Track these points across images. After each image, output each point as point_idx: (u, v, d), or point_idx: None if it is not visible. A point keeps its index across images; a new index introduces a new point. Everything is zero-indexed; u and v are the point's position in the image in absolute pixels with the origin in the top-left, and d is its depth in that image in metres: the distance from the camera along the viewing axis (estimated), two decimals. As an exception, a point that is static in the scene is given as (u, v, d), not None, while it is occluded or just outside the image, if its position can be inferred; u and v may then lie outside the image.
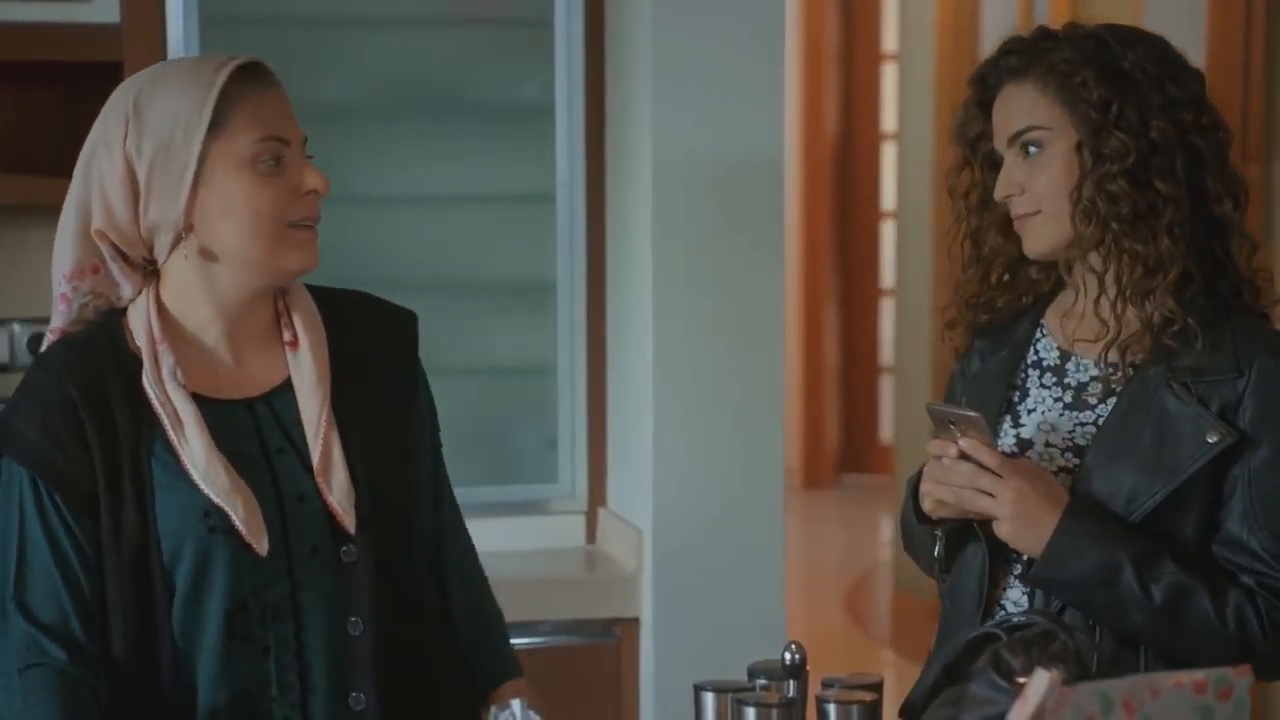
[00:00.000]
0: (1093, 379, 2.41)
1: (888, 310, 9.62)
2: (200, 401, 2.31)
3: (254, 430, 2.35)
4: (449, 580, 2.49)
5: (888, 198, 9.71)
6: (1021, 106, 2.38)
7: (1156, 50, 2.39)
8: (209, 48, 3.53)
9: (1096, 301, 2.40)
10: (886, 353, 9.63)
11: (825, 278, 9.73)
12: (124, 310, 2.37)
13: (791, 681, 2.24)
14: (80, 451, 2.28)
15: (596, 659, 3.61)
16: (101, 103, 3.61)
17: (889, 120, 9.64)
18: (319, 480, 2.32)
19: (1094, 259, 2.39)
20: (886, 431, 9.67)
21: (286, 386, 2.37)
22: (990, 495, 2.30)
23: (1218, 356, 2.33)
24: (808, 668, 2.26)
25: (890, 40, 9.61)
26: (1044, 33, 2.42)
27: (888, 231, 9.71)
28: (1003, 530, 2.32)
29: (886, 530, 8.35)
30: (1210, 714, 1.74)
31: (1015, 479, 2.29)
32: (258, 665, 2.30)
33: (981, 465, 2.31)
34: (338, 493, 2.32)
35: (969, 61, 7.07)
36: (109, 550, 2.29)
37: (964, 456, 2.32)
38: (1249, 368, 2.32)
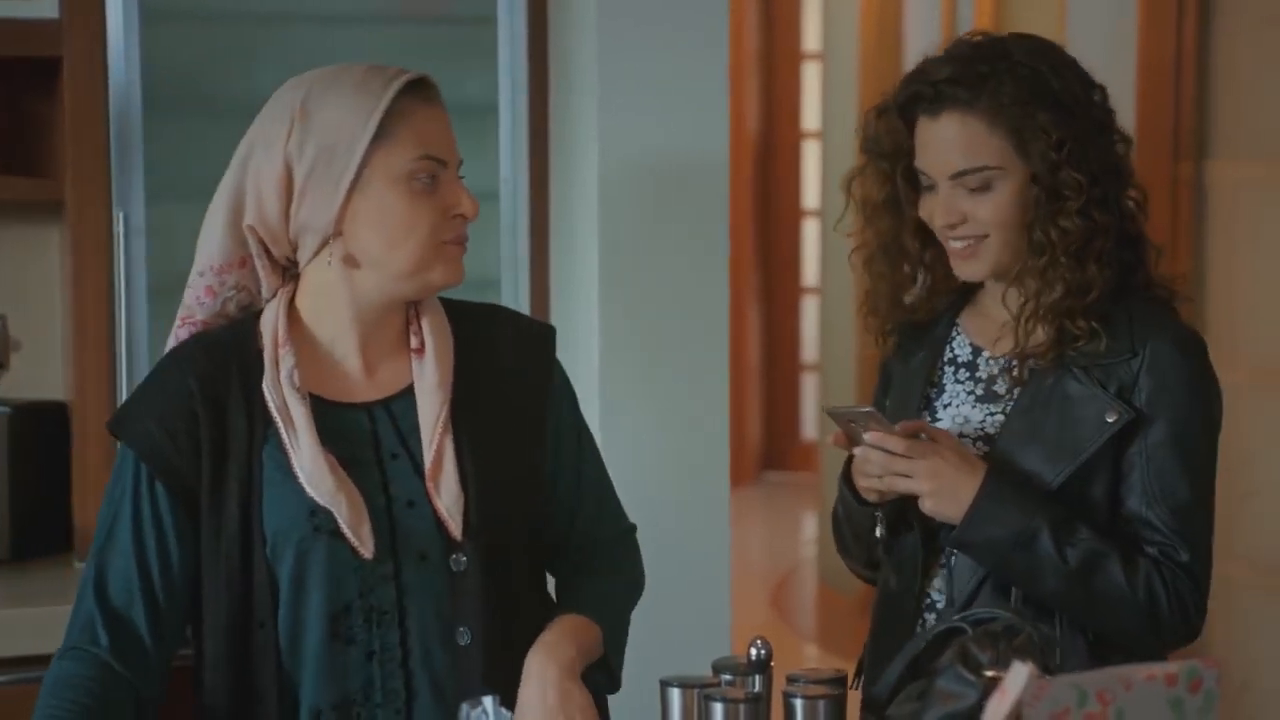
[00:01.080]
0: (1001, 371, 2.48)
1: (809, 308, 9.66)
2: (318, 403, 2.33)
3: (370, 434, 2.36)
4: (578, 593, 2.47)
5: (809, 196, 9.75)
6: (966, 143, 2.40)
7: (1074, 68, 2.44)
8: (149, 44, 3.50)
9: (1014, 310, 2.45)
10: (808, 351, 9.67)
11: (747, 276, 9.77)
12: (259, 313, 2.40)
13: (757, 676, 2.25)
14: (190, 446, 2.31)
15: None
16: (41, 98, 3.62)
17: (810, 119, 9.68)
18: (429, 484, 2.32)
19: (1026, 279, 2.43)
20: (808, 429, 9.71)
21: (408, 392, 2.38)
22: (908, 476, 2.37)
23: (1114, 339, 2.40)
24: (772, 663, 2.27)
25: (811, 40, 9.65)
26: (979, 53, 2.42)
27: (809, 230, 9.75)
28: (926, 505, 2.39)
29: (810, 527, 8.39)
30: (1181, 706, 1.76)
31: (927, 457, 2.37)
32: (362, 670, 2.31)
33: (891, 453, 2.37)
34: (446, 498, 2.32)
35: (893, 60, 7.11)
36: (208, 548, 2.31)
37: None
38: (1143, 348, 2.40)
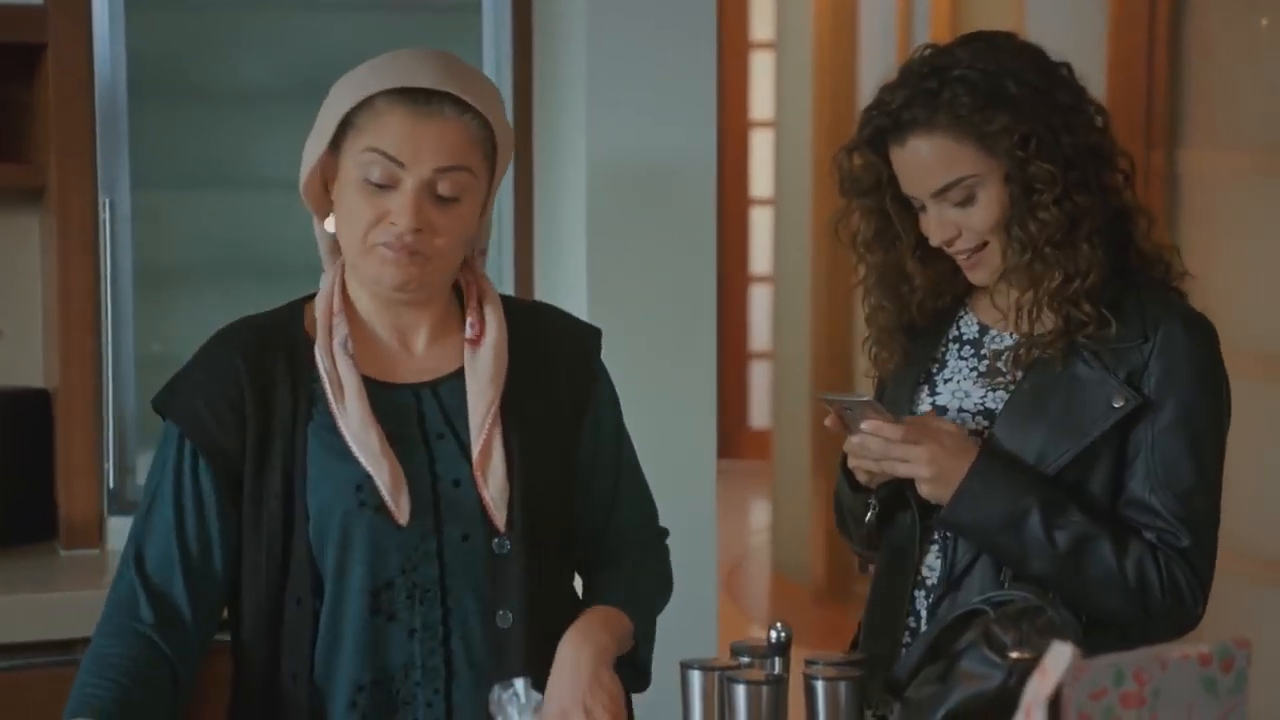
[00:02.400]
0: (1007, 351, 2.49)
1: (758, 297, 9.69)
2: (365, 382, 2.34)
3: (416, 413, 2.37)
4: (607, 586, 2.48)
5: (758, 185, 9.78)
6: (939, 160, 2.42)
7: (1033, 59, 2.45)
8: (134, 30, 3.50)
9: (1016, 301, 2.47)
10: (757, 339, 9.70)
11: (696, 264, 9.77)
12: (309, 297, 2.43)
13: (777, 659, 2.27)
14: (235, 423, 2.33)
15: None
16: (22, 84, 3.60)
17: (758, 109, 9.71)
18: (476, 473, 2.33)
19: (1017, 277, 2.46)
20: (758, 417, 9.74)
21: (456, 375, 2.39)
22: (906, 461, 2.39)
23: (1125, 325, 2.42)
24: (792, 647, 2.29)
25: (760, 29, 9.67)
26: (928, 69, 2.44)
27: (758, 218, 9.78)
28: (924, 490, 2.40)
29: (761, 515, 8.42)
30: (1214, 685, 1.78)
31: (924, 443, 2.38)
32: (403, 647, 2.32)
33: (888, 440, 2.39)
34: (493, 488, 2.33)
35: (847, 49, 7.14)
36: (250, 526, 2.33)
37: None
38: (1154, 334, 2.41)
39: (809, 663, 2.23)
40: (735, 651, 2.30)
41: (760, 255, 9.78)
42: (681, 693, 2.26)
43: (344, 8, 3.70)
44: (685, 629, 3.43)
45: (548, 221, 3.72)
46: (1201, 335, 2.43)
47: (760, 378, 9.59)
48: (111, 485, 3.53)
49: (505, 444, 2.35)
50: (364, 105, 2.30)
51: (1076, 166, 2.41)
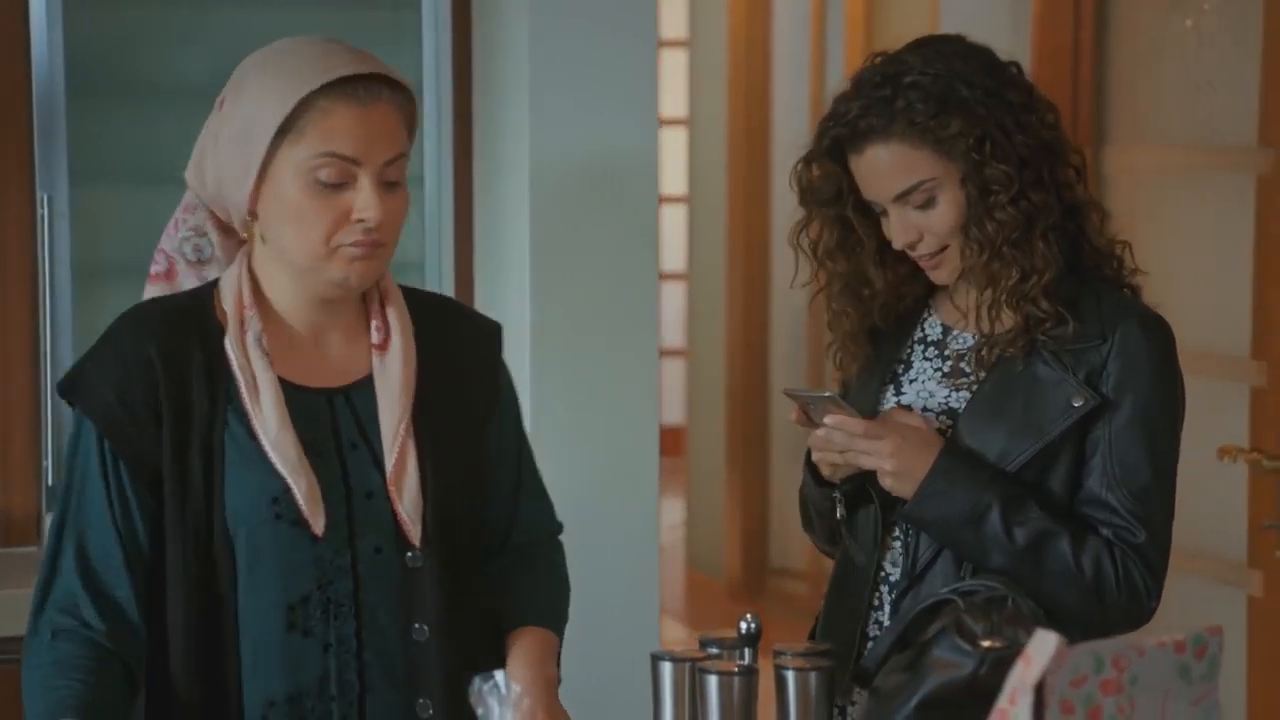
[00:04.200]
0: (969, 351, 2.53)
1: (669, 293, 9.70)
2: (280, 384, 2.29)
3: (330, 422, 2.32)
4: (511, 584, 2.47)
5: (667, 183, 9.79)
6: (898, 166, 2.45)
7: (980, 61, 2.49)
8: (71, 22, 3.48)
9: (975, 300, 2.51)
10: (668, 335, 9.72)
11: (606, 261, 9.78)
12: (215, 283, 2.35)
13: (747, 650, 2.29)
14: (150, 417, 2.26)
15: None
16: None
17: (667, 106, 9.72)
18: (390, 488, 2.30)
19: (975, 277, 2.50)
20: (668, 414, 9.76)
21: (367, 382, 2.35)
22: (870, 454, 2.42)
23: (1083, 324, 2.46)
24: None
25: (669, 28, 9.69)
26: (880, 77, 2.46)
27: (668, 216, 9.79)
28: (886, 482, 2.44)
29: (675, 511, 8.44)
30: (1188, 671, 1.82)
31: (888, 437, 2.41)
32: (318, 662, 2.28)
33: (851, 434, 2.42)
34: (407, 502, 2.30)
35: (761, 47, 7.19)
36: (173, 522, 2.27)
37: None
38: (1112, 334, 2.46)
39: (778, 653, 2.25)
40: (704, 643, 2.32)
41: (669, 253, 9.80)
42: (652, 685, 2.27)
43: (282, 4, 3.69)
44: (631, 625, 3.47)
45: (489, 220, 3.72)
46: (1158, 336, 2.47)
47: (671, 375, 9.60)
48: (50, 482, 3.51)
49: (419, 455, 2.32)
50: (302, 107, 2.25)
51: (1030, 165, 2.45)
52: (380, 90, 2.28)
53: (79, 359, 2.33)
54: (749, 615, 2.31)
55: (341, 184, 2.26)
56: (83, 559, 2.27)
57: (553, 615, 2.46)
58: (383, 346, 2.35)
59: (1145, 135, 4.20)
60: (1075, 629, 2.34)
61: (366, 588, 2.29)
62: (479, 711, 2.00)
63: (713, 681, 2.20)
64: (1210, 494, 3.78)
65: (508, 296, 3.66)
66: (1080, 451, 2.45)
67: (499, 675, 2.01)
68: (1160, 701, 1.79)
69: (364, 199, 2.26)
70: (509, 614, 2.43)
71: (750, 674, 2.21)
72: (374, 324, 2.36)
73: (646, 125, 3.61)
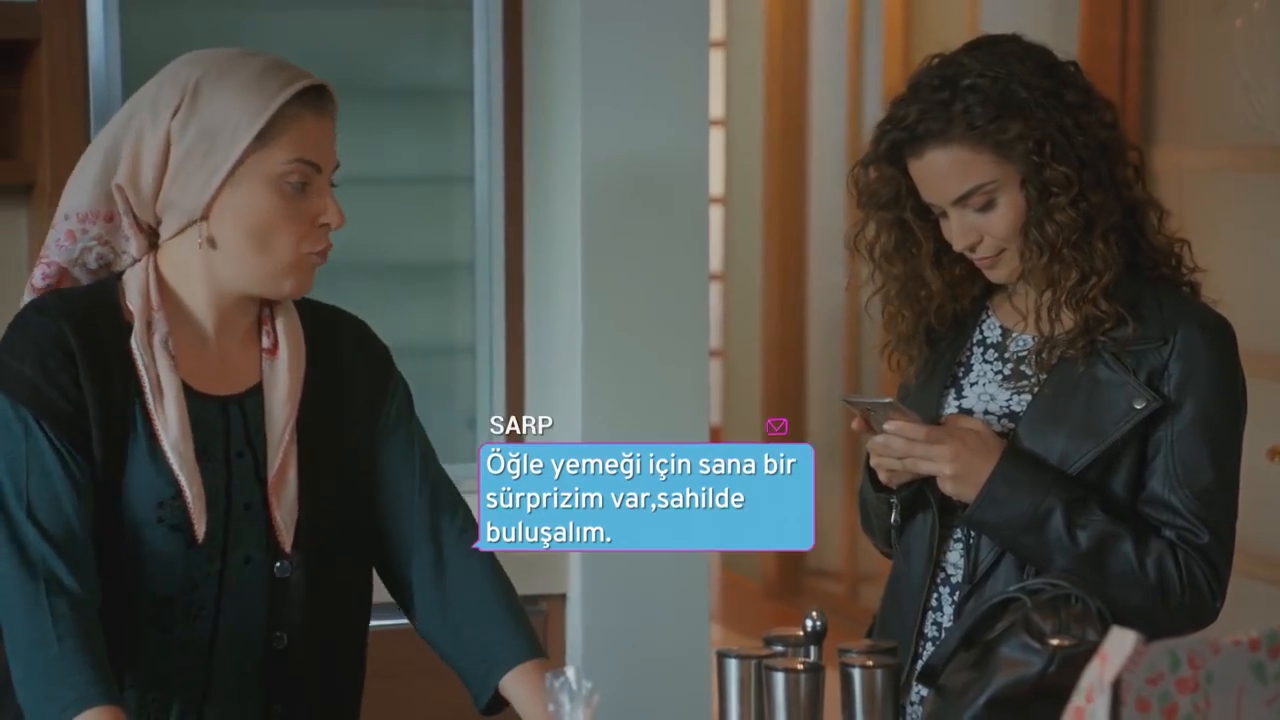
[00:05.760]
0: (1030, 353, 2.52)
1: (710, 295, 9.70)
2: (183, 390, 2.31)
3: (223, 430, 2.35)
4: (438, 586, 2.45)
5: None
6: (957, 169, 2.45)
7: (1038, 61, 2.48)
8: (128, 27, 3.50)
9: (1035, 301, 2.51)
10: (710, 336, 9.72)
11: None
12: (119, 276, 2.36)
13: (813, 647, 2.30)
14: (78, 398, 2.27)
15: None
16: (19, 82, 3.59)
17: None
18: (271, 496, 2.33)
19: (1035, 279, 2.50)
20: (710, 414, 9.77)
21: (258, 390, 2.37)
22: (930, 460, 2.43)
23: (1144, 326, 2.46)
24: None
25: (710, 28, 9.70)
26: (938, 81, 2.46)
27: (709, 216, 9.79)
28: (946, 487, 2.44)
29: (712, 511, 8.42)
30: (1262, 669, 1.82)
31: (948, 442, 2.42)
32: (167, 660, 2.32)
33: (911, 440, 2.43)
34: (284, 508, 2.33)
35: (799, 48, 7.18)
36: (98, 491, 2.28)
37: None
38: (1174, 335, 2.45)
39: (843, 650, 2.26)
40: (768, 641, 2.33)
41: (711, 253, 9.80)
42: (718, 682, 2.28)
43: (335, 5, 3.71)
44: (681, 626, 3.48)
45: (539, 220, 3.73)
46: (1220, 337, 2.47)
47: (714, 375, 9.62)
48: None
49: (300, 465, 2.35)
50: (277, 114, 2.29)
51: (1090, 166, 2.45)
52: (328, 102, 2.35)
53: None
54: (814, 612, 2.32)
55: (303, 190, 2.31)
56: (36, 519, 2.25)
57: (535, 638, 2.45)
58: (272, 352, 2.38)
59: (1193, 135, 4.20)
60: (1140, 629, 2.34)
61: (229, 594, 2.33)
62: (549, 708, 2.01)
63: (779, 679, 2.21)
64: (1261, 495, 3.78)
65: (559, 297, 3.67)
66: (1142, 453, 2.45)
67: (570, 671, 2.02)
68: (1235, 700, 1.79)
69: (324, 203, 2.33)
70: (497, 652, 2.41)
71: (817, 671, 2.22)
72: (265, 329, 2.39)
73: (698, 127, 3.62)
